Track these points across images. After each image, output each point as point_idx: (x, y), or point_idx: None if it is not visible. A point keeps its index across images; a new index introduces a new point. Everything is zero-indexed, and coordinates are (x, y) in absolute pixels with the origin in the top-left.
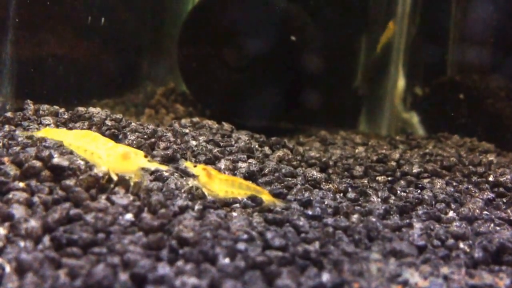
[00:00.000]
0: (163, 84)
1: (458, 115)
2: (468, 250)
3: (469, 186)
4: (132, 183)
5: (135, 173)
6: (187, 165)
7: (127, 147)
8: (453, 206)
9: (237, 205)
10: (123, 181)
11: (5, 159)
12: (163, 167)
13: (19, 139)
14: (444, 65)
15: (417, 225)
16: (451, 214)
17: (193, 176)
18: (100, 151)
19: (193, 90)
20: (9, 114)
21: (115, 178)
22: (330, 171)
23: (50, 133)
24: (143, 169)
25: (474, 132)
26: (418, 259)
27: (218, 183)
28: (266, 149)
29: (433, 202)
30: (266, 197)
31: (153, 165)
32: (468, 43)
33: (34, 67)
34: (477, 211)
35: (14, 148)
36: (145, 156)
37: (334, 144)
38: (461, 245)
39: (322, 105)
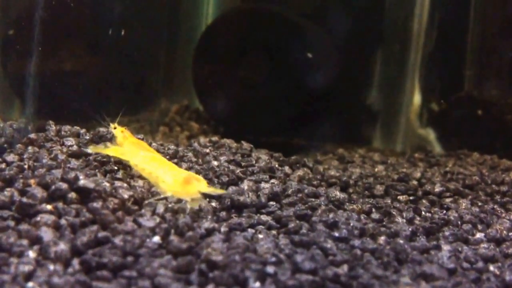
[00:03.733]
0: (177, 101)
1: (476, 131)
2: (498, 272)
3: (495, 206)
4: (189, 207)
5: (194, 198)
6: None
7: (190, 173)
8: (479, 227)
9: (262, 226)
10: (148, 204)
11: (32, 181)
12: (221, 191)
13: (44, 160)
14: (461, 80)
15: (445, 247)
16: (478, 235)
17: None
18: (165, 175)
19: (207, 107)
20: (32, 135)
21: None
22: (351, 190)
23: (118, 152)
24: (202, 194)
25: (493, 149)
26: (449, 283)
27: (128, 144)
28: (286, 169)
29: (459, 223)
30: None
31: (213, 191)
32: (486, 58)
33: (54, 87)
34: (505, 232)
35: (39, 170)
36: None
37: (352, 163)
38: (491, 267)
39: (337, 121)
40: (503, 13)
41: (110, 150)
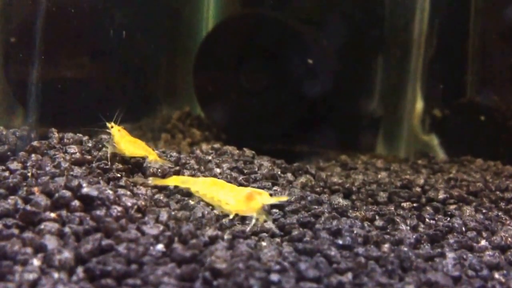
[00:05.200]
0: (179, 108)
1: (479, 137)
2: (503, 280)
3: (499, 213)
4: (254, 220)
5: (259, 211)
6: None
7: (251, 189)
8: (484, 234)
9: (265, 234)
10: (152, 211)
11: (35, 189)
12: (285, 198)
13: (47, 168)
14: (463, 86)
15: (450, 255)
16: (483, 242)
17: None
18: (227, 197)
19: (209, 114)
20: (35, 143)
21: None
22: (354, 197)
23: (178, 180)
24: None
25: (496, 155)
26: None
27: (125, 143)
28: (289, 176)
29: (464, 230)
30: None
31: (276, 200)
32: (488, 64)
33: (56, 95)
34: (509, 239)
35: (43, 177)
36: (270, 195)
37: (355, 169)
38: (496, 275)
39: (339, 128)
40: (503, 19)
41: (171, 180)
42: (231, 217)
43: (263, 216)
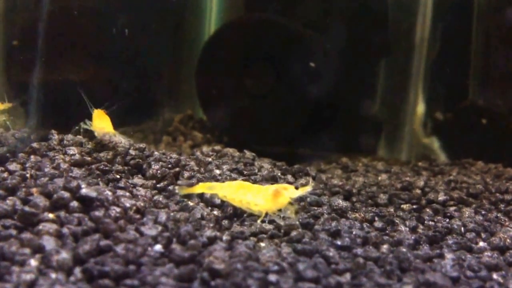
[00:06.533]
0: (181, 111)
1: (481, 140)
2: (502, 281)
3: (498, 215)
4: (289, 213)
5: (288, 205)
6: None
7: (276, 185)
8: (483, 235)
9: (264, 235)
10: (151, 212)
11: (34, 190)
12: (309, 188)
13: (46, 169)
14: (465, 89)
15: (449, 256)
16: (482, 244)
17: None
18: (255, 199)
19: (211, 117)
20: (35, 144)
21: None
22: (354, 199)
23: (205, 187)
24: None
25: (498, 158)
26: None
27: (94, 118)
28: (289, 177)
29: (463, 232)
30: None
31: (302, 190)
32: (490, 67)
33: (57, 97)
34: (508, 240)
35: (42, 178)
36: (296, 188)
37: (356, 172)
38: (495, 276)
39: (341, 131)
40: (506, 22)
41: (198, 188)
42: (262, 217)
43: (293, 209)
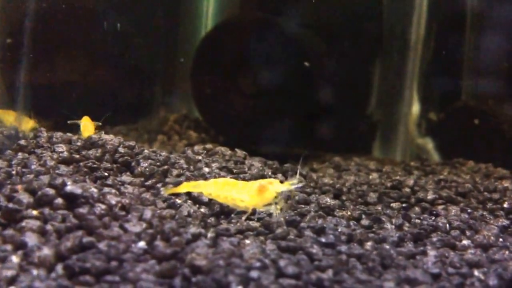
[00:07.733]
0: (176, 111)
1: (473, 140)
2: (483, 277)
3: (484, 213)
4: (278, 208)
5: (275, 200)
6: None
7: (260, 180)
8: (468, 233)
9: (250, 232)
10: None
11: (19, 186)
12: (294, 182)
13: (32, 167)
14: (459, 90)
15: (432, 253)
16: (465, 241)
17: None
18: (240, 195)
19: (206, 117)
20: (22, 142)
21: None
22: (344, 197)
23: (190, 186)
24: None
25: (489, 158)
26: (432, 287)
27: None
28: (279, 176)
29: (448, 229)
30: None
31: (288, 185)
32: (483, 68)
33: (47, 94)
34: (492, 238)
35: (28, 176)
36: (281, 182)
37: (347, 171)
38: (476, 272)
39: (336, 131)
40: (500, 23)
41: (182, 187)
42: (248, 213)
43: (281, 203)
